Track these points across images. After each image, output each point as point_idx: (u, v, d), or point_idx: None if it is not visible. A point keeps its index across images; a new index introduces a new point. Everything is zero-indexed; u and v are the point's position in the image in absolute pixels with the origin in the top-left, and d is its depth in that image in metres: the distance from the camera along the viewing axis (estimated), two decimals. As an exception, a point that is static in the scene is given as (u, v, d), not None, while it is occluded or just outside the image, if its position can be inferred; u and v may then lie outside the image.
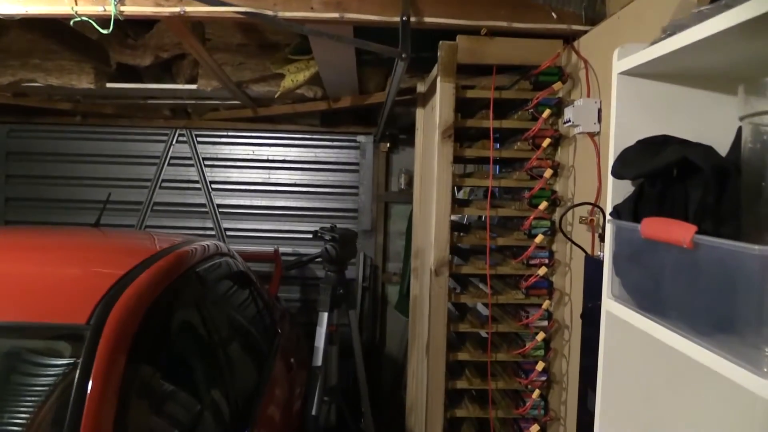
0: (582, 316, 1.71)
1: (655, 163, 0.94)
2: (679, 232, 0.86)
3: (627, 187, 1.16)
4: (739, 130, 1.11)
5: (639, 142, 1.09)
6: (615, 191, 1.18)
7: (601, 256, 1.61)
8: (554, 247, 2.17)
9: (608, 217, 1.15)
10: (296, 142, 4.44)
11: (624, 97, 1.16)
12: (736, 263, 0.82)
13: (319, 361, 2.26)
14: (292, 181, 4.46)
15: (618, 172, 1.09)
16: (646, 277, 1.01)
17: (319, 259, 2.37)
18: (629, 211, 1.07)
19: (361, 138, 4.39)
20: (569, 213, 2.15)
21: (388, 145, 4.36)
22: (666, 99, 1.17)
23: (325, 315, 2.26)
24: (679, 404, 1.21)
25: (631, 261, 1.07)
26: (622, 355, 1.22)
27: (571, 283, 2.13)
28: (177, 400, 1.80)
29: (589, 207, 1.93)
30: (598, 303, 1.56)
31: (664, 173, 0.96)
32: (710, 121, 1.16)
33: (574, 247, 2.12)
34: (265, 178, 4.48)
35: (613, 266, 1.15)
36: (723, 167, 0.85)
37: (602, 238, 1.60)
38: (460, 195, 3.60)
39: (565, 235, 1.81)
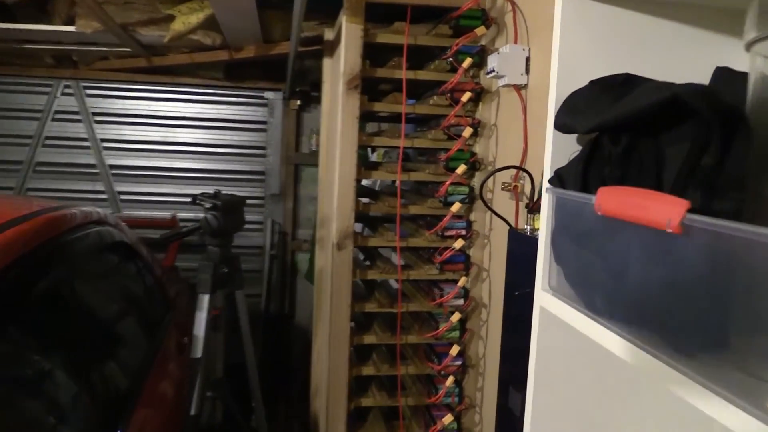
0: (505, 301, 1.43)
1: (629, 108, 0.64)
2: (662, 209, 0.56)
3: (572, 146, 0.86)
4: (718, 73, 0.82)
5: (592, 83, 0.79)
6: (555, 150, 0.88)
7: (528, 230, 1.33)
8: (473, 217, 1.88)
9: (546, 184, 0.85)
10: (198, 97, 3.97)
11: (570, 24, 0.85)
12: (746, 255, 0.53)
13: (198, 352, 1.90)
14: (194, 141, 4.00)
15: (565, 123, 0.79)
16: (599, 268, 0.72)
17: (201, 231, 1.98)
18: (576, 177, 0.77)
19: (269, 94, 3.97)
20: (490, 179, 1.86)
21: (298, 102, 3.96)
22: (624, 30, 0.87)
23: (206, 297, 1.89)
24: (628, 422, 0.94)
25: (578, 244, 0.77)
26: (559, 360, 0.93)
27: (491, 257, 1.85)
28: (21, 386, 1.43)
29: (513, 172, 1.64)
30: (525, 291, 1.28)
31: (636, 124, 0.66)
32: (679, 62, 0.87)
33: (495, 217, 1.84)
34: (163, 137, 3.99)
35: (552, 250, 0.85)
36: (731, 113, 0.55)
37: (530, 209, 1.31)
38: (374, 157, 3.28)
39: (485, 203, 1.52)
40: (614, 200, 0.65)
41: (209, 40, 3.09)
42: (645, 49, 0.85)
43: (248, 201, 4.05)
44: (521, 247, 1.32)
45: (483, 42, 1.83)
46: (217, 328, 2.10)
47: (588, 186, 0.76)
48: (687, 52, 0.86)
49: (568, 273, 0.81)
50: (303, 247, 4.11)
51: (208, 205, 1.93)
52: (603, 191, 0.67)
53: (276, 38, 3.08)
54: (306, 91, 3.93)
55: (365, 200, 2.05)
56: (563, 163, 0.85)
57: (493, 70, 1.60)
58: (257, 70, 3.81)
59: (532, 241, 1.27)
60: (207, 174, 4.00)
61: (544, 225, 0.87)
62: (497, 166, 1.81)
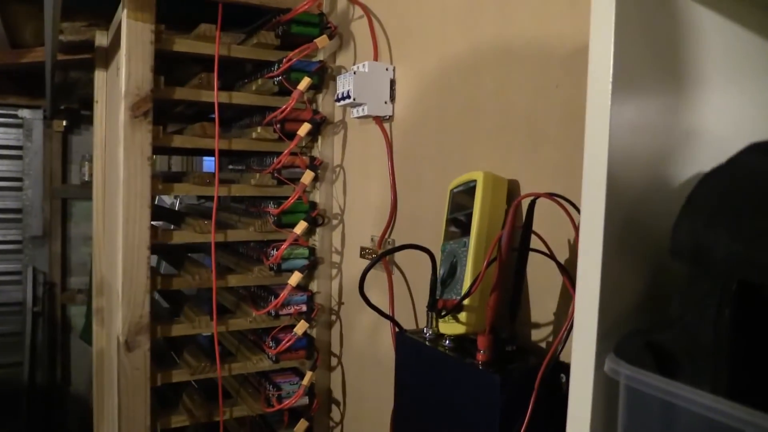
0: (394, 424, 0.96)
1: None
2: None
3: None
4: None
5: (763, 154, 0.36)
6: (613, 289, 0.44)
7: (427, 335, 0.88)
8: (315, 286, 1.40)
9: (614, 365, 0.40)
10: None
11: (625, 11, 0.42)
12: None
13: None
14: None
15: (701, 243, 0.35)
16: None
17: None
18: (718, 361, 0.33)
19: (24, 113, 3.12)
20: (334, 235, 1.39)
21: (64, 123, 3.16)
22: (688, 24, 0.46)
23: None
24: None
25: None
26: None
27: (342, 341, 1.38)
28: None
29: (374, 229, 1.19)
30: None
31: None
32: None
33: (345, 285, 1.38)
34: None
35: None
36: None
37: (433, 307, 0.86)
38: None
39: (368, 302, 0.94)
40: None
41: (-73, 40, 2.25)
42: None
43: (2, 246, 3.16)
44: (421, 363, 0.88)
45: (321, 57, 1.36)
46: None
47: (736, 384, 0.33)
48: None
49: None
50: (77, 299, 3.29)
51: None
52: None
53: (28, 42, 2.32)
54: (74, 109, 3.14)
55: (161, 224, 1.48)
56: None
57: (347, 96, 1.14)
58: (6, 81, 2.95)
59: (440, 358, 0.82)
60: (-61, 214, 3.04)
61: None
62: (347, 222, 1.35)
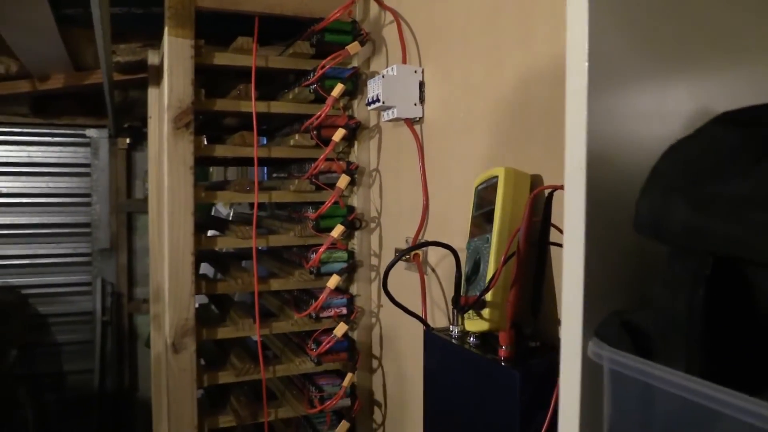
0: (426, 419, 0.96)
1: None
2: None
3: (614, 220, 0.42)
4: None
5: (726, 122, 0.35)
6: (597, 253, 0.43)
7: (454, 333, 0.87)
8: (355, 289, 1.41)
9: (595, 348, 0.39)
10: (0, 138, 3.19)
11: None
12: None
13: None
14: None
15: (670, 216, 0.34)
16: None
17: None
18: (693, 339, 0.32)
19: (91, 132, 3.27)
20: (372, 238, 1.40)
21: (128, 140, 3.30)
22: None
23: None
24: None
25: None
26: None
27: (382, 343, 1.39)
28: None
29: (408, 230, 1.20)
30: None
31: None
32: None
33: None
34: (-46, 188, 3.17)
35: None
36: None
37: (458, 305, 0.86)
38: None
39: (392, 299, 0.95)
40: None
41: (2, 67, 2.40)
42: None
43: (72, 258, 3.32)
44: (441, 356, 0.87)
45: (355, 63, 1.38)
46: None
47: (714, 360, 0.31)
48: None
49: None
50: (142, 309, 3.42)
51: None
52: None
53: (90, 64, 2.44)
54: (136, 127, 3.28)
55: (213, 233, 1.53)
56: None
57: (377, 100, 1.15)
58: (74, 103, 3.11)
59: (463, 355, 0.82)
60: (18, 230, 3.21)
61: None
62: (384, 224, 1.36)
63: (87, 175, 3.30)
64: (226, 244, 1.35)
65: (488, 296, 0.80)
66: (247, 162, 2.05)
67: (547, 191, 0.74)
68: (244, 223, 1.45)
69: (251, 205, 1.36)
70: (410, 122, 1.18)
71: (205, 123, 1.80)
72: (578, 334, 0.42)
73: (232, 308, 1.46)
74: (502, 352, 0.76)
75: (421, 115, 1.16)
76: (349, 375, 1.34)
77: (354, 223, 1.37)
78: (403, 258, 1.22)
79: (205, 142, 1.42)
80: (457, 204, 1.07)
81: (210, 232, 1.77)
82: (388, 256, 1.34)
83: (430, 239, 1.16)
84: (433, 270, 1.15)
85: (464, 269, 0.88)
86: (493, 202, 0.85)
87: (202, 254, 1.50)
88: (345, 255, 1.37)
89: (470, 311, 0.83)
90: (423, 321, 0.93)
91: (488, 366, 0.76)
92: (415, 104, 1.16)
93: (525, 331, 0.79)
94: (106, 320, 3.31)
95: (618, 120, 0.41)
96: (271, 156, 1.40)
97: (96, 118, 3.17)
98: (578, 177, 0.40)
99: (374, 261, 1.39)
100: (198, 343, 1.29)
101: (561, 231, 0.78)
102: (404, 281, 1.20)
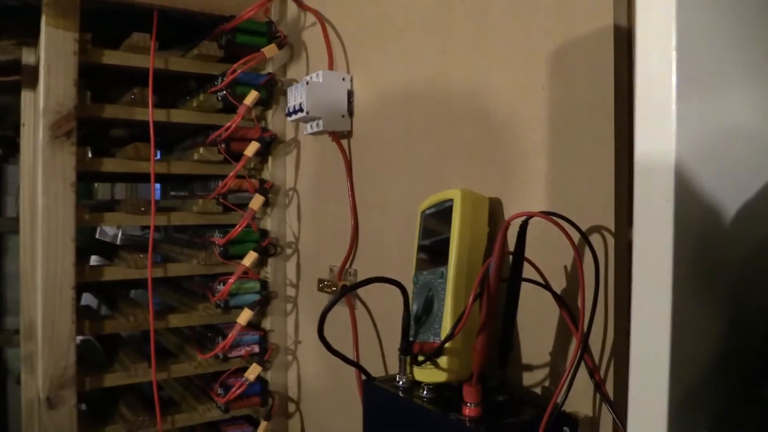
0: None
1: None
2: None
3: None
4: None
5: None
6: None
7: (401, 382, 0.73)
8: (269, 323, 1.24)
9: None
10: None
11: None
12: None
13: None
14: None
15: None
16: None
17: None
18: None
19: (-48, 142, 2.87)
20: (288, 266, 1.24)
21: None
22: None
23: None
24: None
25: None
26: None
27: (300, 386, 1.22)
28: None
29: (334, 260, 1.05)
30: None
31: None
32: None
33: (302, 321, 1.22)
34: None
35: None
36: None
37: (406, 351, 0.71)
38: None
39: (329, 347, 0.75)
40: None
41: None
42: None
43: (-73, 285, 2.88)
44: (394, 418, 0.73)
45: (271, 69, 1.22)
46: None
47: None
48: None
49: None
50: (13, 341, 3.01)
51: None
52: None
53: (-50, 63, 2.11)
54: (9, 137, 2.90)
55: (97, 259, 1.31)
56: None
57: (299, 110, 1.00)
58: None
59: (418, 413, 0.68)
60: None
61: None
62: (302, 251, 1.20)
63: (-54, 190, 2.89)
64: (115, 275, 1.14)
65: (447, 343, 0.66)
66: (139, 179, 1.82)
67: (521, 219, 0.62)
68: (136, 249, 1.25)
69: (144, 227, 1.16)
70: (337, 136, 1.04)
71: (88, 134, 1.56)
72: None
73: (121, 347, 1.25)
74: (468, 410, 0.63)
75: (349, 128, 1.03)
76: (263, 424, 1.17)
77: (268, 249, 1.20)
78: (326, 287, 1.07)
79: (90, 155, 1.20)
80: (394, 229, 0.93)
81: (93, 258, 1.54)
82: (306, 286, 1.18)
83: (360, 268, 1.02)
84: (363, 303, 1.01)
85: (412, 308, 0.75)
86: (447, 230, 0.72)
87: (84, 283, 1.28)
88: (257, 285, 1.20)
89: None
90: (363, 370, 0.78)
91: (453, 428, 0.63)
92: (344, 116, 1.02)
93: (491, 382, 0.66)
94: (-33, 356, 2.89)
95: (711, 134, 0.29)
96: (171, 172, 1.21)
97: (-42, 126, 2.78)
98: (662, 212, 0.27)
99: (291, 292, 1.23)
100: (81, 393, 1.07)
101: (534, 265, 0.67)
102: (331, 318, 1.05)
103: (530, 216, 0.62)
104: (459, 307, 0.67)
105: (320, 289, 1.10)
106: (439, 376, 0.68)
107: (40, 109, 1.04)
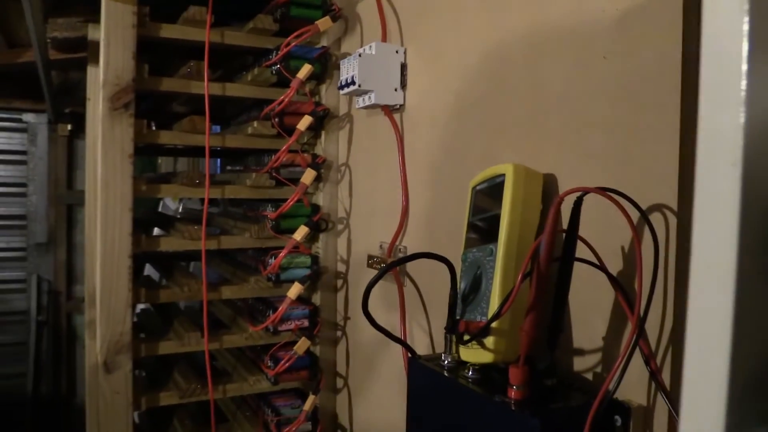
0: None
1: None
2: None
3: None
4: None
5: None
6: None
7: (446, 361, 0.71)
8: (318, 299, 1.24)
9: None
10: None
11: None
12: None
13: None
14: None
15: None
16: None
17: None
18: None
19: (29, 117, 3.00)
20: (339, 242, 1.23)
21: (69, 127, 3.04)
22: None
23: None
24: None
25: None
26: None
27: (349, 360, 1.22)
28: None
29: (383, 239, 1.03)
30: None
31: None
32: None
33: (351, 297, 1.22)
34: None
35: None
36: None
37: (452, 329, 0.70)
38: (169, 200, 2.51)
39: (372, 321, 0.74)
40: None
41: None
42: None
43: (5, 253, 3.04)
44: (438, 397, 0.71)
45: (324, 42, 1.20)
46: None
47: None
48: None
49: None
50: (82, 308, 3.15)
51: None
52: None
53: (25, 40, 2.19)
54: (79, 113, 3.01)
55: (158, 231, 1.34)
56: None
57: (351, 82, 0.98)
58: (10, 84, 2.83)
59: (462, 393, 0.66)
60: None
61: None
62: (353, 227, 1.19)
63: (23, 163, 3.03)
64: (170, 246, 1.16)
65: (494, 323, 0.64)
66: (198, 152, 1.85)
67: (575, 195, 0.59)
68: (193, 221, 1.26)
69: (202, 200, 1.17)
70: (389, 110, 1.02)
71: (151, 109, 1.59)
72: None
73: (176, 318, 1.27)
74: (514, 392, 0.60)
75: (402, 102, 1.00)
76: (311, 397, 1.17)
77: (319, 224, 1.19)
78: (375, 263, 1.06)
79: (152, 128, 1.23)
80: (445, 206, 0.91)
81: (156, 230, 1.57)
82: (357, 262, 1.17)
83: (410, 245, 1.00)
84: (412, 280, 0.99)
85: (460, 286, 0.72)
86: (497, 206, 0.69)
87: (145, 255, 1.31)
88: (308, 260, 1.20)
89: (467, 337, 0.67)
90: (409, 348, 0.76)
91: (497, 410, 0.61)
92: (396, 89, 0.99)
93: (539, 365, 0.64)
94: (41, 320, 3.04)
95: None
96: (226, 146, 1.22)
97: (34, 101, 2.90)
98: (727, 178, 0.24)
99: (341, 267, 1.22)
100: (138, 360, 1.10)
101: (588, 244, 0.63)
102: (376, 293, 1.04)
103: (585, 192, 0.59)
104: (508, 285, 0.65)
105: (369, 266, 1.09)
106: (485, 357, 0.66)
107: (100, 81, 1.06)
